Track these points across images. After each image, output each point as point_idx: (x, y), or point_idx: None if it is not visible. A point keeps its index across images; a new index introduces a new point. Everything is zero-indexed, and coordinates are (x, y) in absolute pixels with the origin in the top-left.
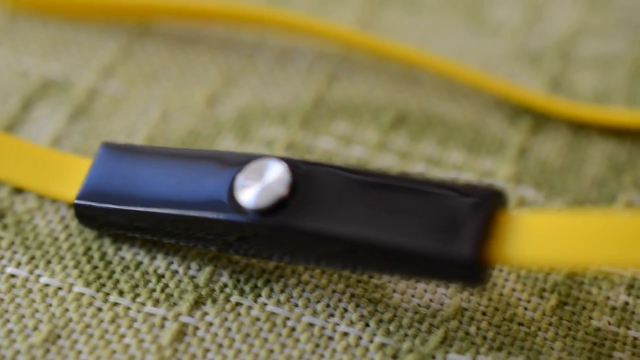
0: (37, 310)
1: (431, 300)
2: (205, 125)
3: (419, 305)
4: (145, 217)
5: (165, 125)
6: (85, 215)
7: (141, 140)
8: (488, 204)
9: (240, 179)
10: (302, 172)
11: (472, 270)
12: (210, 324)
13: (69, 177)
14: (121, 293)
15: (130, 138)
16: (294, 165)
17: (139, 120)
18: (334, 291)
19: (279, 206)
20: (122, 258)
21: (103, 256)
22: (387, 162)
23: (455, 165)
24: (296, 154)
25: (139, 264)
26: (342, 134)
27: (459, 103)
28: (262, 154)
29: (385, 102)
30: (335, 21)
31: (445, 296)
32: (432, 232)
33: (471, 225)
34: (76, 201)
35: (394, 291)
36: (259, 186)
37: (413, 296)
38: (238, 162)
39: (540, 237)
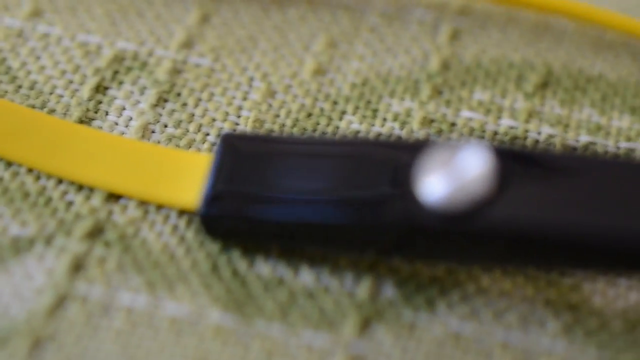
0: (170, 349)
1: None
2: (319, 101)
3: (626, 310)
4: (296, 225)
5: (272, 104)
6: (212, 225)
7: (249, 123)
8: None
9: (424, 172)
10: (505, 162)
11: None
12: (384, 351)
13: (177, 177)
14: (269, 319)
15: (235, 121)
16: (496, 155)
17: (239, 99)
18: (523, 298)
19: (479, 207)
20: (260, 275)
21: (236, 274)
22: (543, 133)
23: (625, 134)
24: (435, 131)
25: (282, 280)
26: (482, 102)
27: (610, 57)
28: (451, 139)
29: (524, 61)
30: None
31: None
32: None
33: None
34: (202, 209)
35: (593, 292)
36: (451, 181)
37: (616, 297)
38: (415, 148)
39: None
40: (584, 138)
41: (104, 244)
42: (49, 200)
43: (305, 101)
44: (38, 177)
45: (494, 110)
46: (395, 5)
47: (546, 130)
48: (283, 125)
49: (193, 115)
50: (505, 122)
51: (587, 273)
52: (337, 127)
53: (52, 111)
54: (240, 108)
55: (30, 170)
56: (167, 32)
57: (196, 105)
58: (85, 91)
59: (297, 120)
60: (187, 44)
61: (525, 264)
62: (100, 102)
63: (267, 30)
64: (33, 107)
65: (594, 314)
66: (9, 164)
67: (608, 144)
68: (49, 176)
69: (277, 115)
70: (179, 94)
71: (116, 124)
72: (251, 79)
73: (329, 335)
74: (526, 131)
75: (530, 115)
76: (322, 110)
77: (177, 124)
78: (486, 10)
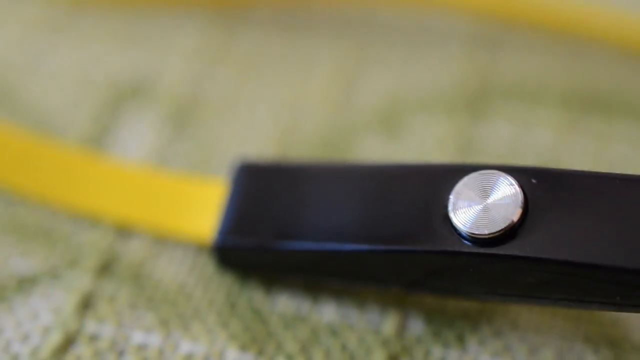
0: None
1: None
2: (343, 123)
3: None
4: (320, 255)
5: (293, 128)
6: (228, 258)
7: (266, 150)
8: None
9: (453, 199)
10: (533, 187)
11: None
12: None
13: (191, 208)
14: (290, 358)
15: (254, 148)
16: (524, 180)
17: (257, 124)
18: (561, 333)
19: (509, 233)
20: (280, 311)
21: (255, 311)
22: (579, 148)
23: None
24: (471, 154)
25: (303, 317)
26: (519, 118)
27: None
28: (478, 164)
29: (561, 83)
30: None
31: None
32: None
33: None
34: (217, 241)
35: (635, 328)
36: (481, 208)
37: None
38: (444, 176)
39: None
40: (621, 149)
41: (114, 280)
42: (55, 234)
43: (326, 125)
44: (43, 209)
45: (528, 127)
46: (423, 23)
47: (582, 144)
48: (302, 151)
49: (208, 141)
50: (540, 138)
51: (624, 309)
52: (360, 152)
53: (59, 133)
54: (256, 134)
55: (34, 202)
56: (181, 55)
57: (211, 131)
58: (94, 115)
59: (317, 145)
60: (202, 69)
61: (559, 298)
62: (110, 126)
63: (285, 54)
64: (38, 128)
65: (636, 350)
66: (12, 196)
67: None
68: (55, 208)
69: (296, 141)
70: (193, 120)
71: (127, 149)
72: (268, 104)
73: None
74: (562, 148)
75: (567, 133)
76: (344, 133)
77: (191, 151)
78: (524, 34)
